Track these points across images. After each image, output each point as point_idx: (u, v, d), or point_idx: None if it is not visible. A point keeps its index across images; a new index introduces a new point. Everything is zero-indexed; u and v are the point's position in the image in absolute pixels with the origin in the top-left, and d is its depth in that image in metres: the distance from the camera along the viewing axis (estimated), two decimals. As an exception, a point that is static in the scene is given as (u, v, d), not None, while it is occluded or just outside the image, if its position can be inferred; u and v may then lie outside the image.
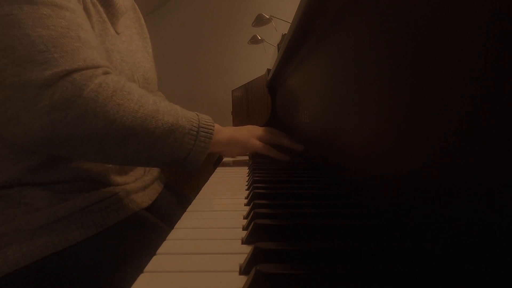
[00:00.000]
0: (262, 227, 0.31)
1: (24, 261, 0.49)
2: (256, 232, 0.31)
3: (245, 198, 0.48)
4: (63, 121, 0.47)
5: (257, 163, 0.78)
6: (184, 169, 0.61)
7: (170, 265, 0.27)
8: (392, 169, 0.34)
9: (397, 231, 0.31)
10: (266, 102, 1.56)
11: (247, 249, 0.29)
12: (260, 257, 0.25)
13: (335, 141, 0.56)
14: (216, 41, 2.96)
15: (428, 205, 0.27)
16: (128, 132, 0.52)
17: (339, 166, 0.54)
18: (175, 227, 0.36)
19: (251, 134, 0.77)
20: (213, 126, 0.64)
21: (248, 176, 0.67)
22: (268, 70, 1.52)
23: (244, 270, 0.25)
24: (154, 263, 0.27)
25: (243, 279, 0.24)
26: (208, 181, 0.64)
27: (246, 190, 0.54)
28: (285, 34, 0.92)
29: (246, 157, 0.99)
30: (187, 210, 0.43)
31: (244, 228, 0.35)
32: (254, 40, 2.12)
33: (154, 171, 0.81)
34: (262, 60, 2.61)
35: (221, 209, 0.44)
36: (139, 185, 0.70)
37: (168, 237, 0.33)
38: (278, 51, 1.32)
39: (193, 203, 0.46)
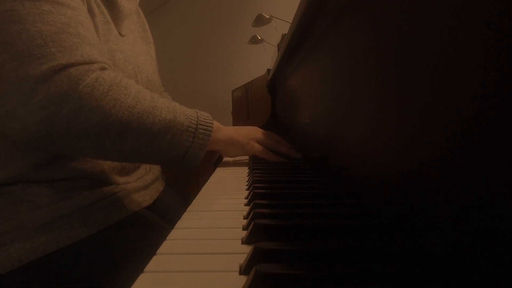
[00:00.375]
0: (262, 227, 0.31)
1: (27, 258, 0.49)
2: (256, 232, 0.31)
3: (245, 198, 0.48)
4: (59, 115, 0.46)
5: (257, 163, 0.78)
6: (183, 167, 0.60)
7: (170, 265, 0.27)
8: (392, 169, 0.34)
9: (397, 231, 0.31)
10: (266, 102, 1.56)
11: (247, 249, 0.29)
12: (260, 257, 0.25)
13: (335, 141, 0.56)
14: (216, 41, 2.96)
15: (428, 205, 0.27)
16: (124, 127, 0.51)
17: (339, 166, 0.54)
18: (175, 227, 0.36)
19: (251, 136, 0.76)
20: (212, 124, 0.63)
21: (248, 176, 0.67)
22: (268, 70, 1.52)
23: (244, 270, 0.25)
24: (154, 263, 0.27)
25: (243, 279, 0.24)
26: (208, 181, 0.64)
27: (246, 190, 0.54)
28: (285, 34, 0.92)
29: (246, 157, 0.99)
30: (187, 210, 0.43)
31: (244, 228, 0.35)
32: (254, 40, 2.12)
33: (155, 171, 0.81)
34: (262, 60, 2.61)
35: (221, 209, 0.44)
36: (141, 184, 0.70)
37: (168, 237, 0.33)
38: (278, 51, 1.32)
39: (193, 203, 0.46)
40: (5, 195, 0.52)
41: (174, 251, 0.30)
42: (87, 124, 0.48)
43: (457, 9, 0.23)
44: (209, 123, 0.62)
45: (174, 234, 0.34)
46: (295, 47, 0.81)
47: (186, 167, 0.60)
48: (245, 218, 0.39)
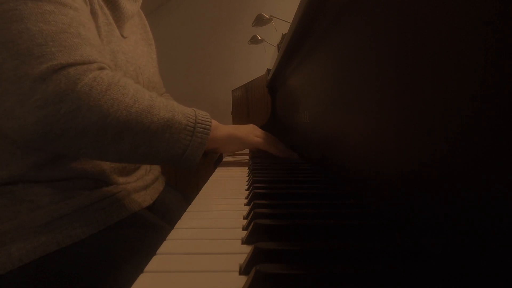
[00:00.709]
0: (262, 227, 0.31)
1: (28, 258, 0.49)
2: (256, 232, 0.31)
3: (245, 198, 0.48)
4: (57, 115, 0.46)
5: (257, 163, 0.78)
6: (182, 166, 0.60)
7: (170, 265, 0.27)
8: (392, 169, 0.34)
9: (397, 231, 0.31)
10: (266, 102, 1.56)
11: (247, 249, 0.29)
12: (260, 257, 0.25)
13: (335, 141, 0.56)
14: (216, 41, 2.96)
15: (428, 205, 0.27)
16: (123, 127, 0.51)
17: (339, 166, 0.54)
18: (175, 227, 0.36)
19: (251, 131, 0.77)
20: (210, 122, 0.63)
21: (248, 176, 0.67)
22: (268, 70, 1.52)
23: (244, 270, 0.25)
24: (154, 263, 0.27)
25: (243, 279, 0.24)
26: (208, 181, 0.64)
27: (246, 190, 0.54)
28: (285, 34, 0.92)
29: (246, 157, 0.99)
30: (187, 210, 0.43)
31: (244, 228, 0.35)
32: (254, 40, 2.12)
33: (155, 171, 0.81)
34: (262, 60, 2.61)
35: (221, 209, 0.44)
36: (141, 184, 0.70)
37: (168, 237, 0.33)
38: (278, 51, 1.32)
39: (193, 203, 0.46)
40: (5, 195, 0.52)
41: (174, 251, 0.30)
42: (85, 124, 0.48)
43: (457, 9, 0.23)
44: (207, 121, 0.62)
45: (174, 234, 0.34)
46: (295, 47, 0.81)
47: (185, 166, 0.60)
48: (245, 218, 0.39)
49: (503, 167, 0.19)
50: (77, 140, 0.49)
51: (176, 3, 3.05)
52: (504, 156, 0.19)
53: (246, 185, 0.58)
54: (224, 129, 0.70)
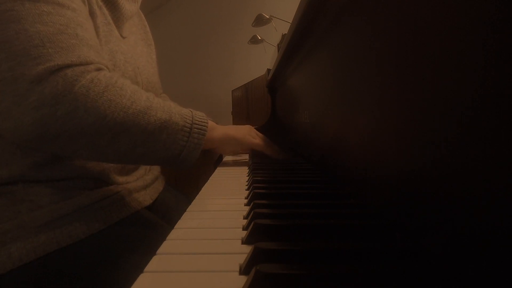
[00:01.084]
0: (262, 227, 0.31)
1: (28, 257, 0.49)
2: (256, 232, 0.31)
3: (245, 198, 0.48)
4: (53, 116, 0.46)
5: (257, 163, 0.78)
6: (179, 166, 0.60)
7: (170, 265, 0.27)
8: (392, 169, 0.34)
9: (397, 231, 0.31)
10: (266, 102, 1.56)
11: (247, 249, 0.29)
12: (260, 257, 0.25)
13: (335, 141, 0.56)
14: (216, 41, 2.96)
15: (428, 205, 0.27)
16: (120, 128, 0.51)
17: (339, 166, 0.54)
18: (175, 227, 0.36)
19: (247, 132, 0.77)
20: (207, 123, 0.63)
21: (248, 176, 0.67)
22: (268, 70, 1.52)
23: (244, 270, 0.25)
24: (154, 263, 0.27)
25: (243, 279, 0.24)
26: (208, 181, 0.64)
27: (246, 190, 0.54)
28: (285, 34, 0.92)
29: (246, 157, 0.99)
30: (187, 210, 0.43)
31: (244, 228, 0.35)
32: (254, 40, 2.12)
33: (155, 171, 0.81)
34: (262, 60, 2.61)
35: (221, 209, 0.44)
36: (141, 184, 0.70)
37: (168, 237, 0.33)
38: (278, 51, 1.32)
39: (193, 203, 0.46)
40: (6, 194, 0.52)
41: (174, 251, 0.30)
42: (82, 125, 0.48)
43: (457, 9, 0.23)
44: (204, 122, 0.62)
45: (174, 234, 0.34)
46: (295, 47, 0.81)
47: (181, 167, 0.60)
48: (245, 218, 0.39)
49: (503, 167, 0.19)
50: (73, 141, 0.49)
51: (176, 3, 3.05)
52: (504, 156, 0.19)
53: (246, 185, 0.58)
54: (220, 129, 0.70)
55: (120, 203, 0.61)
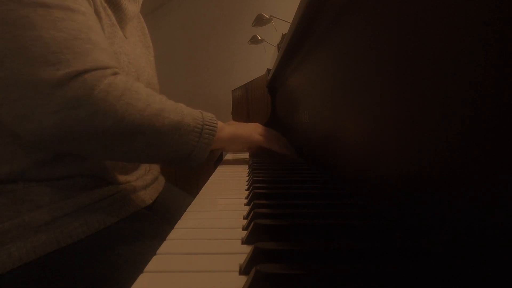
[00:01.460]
0: (262, 227, 0.31)
1: (28, 257, 0.50)
2: (256, 232, 0.31)
3: (245, 198, 0.48)
4: (75, 119, 0.49)
5: (257, 163, 0.78)
6: (188, 165, 0.63)
7: (170, 265, 0.27)
8: (392, 169, 0.34)
9: (397, 231, 0.31)
10: (266, 102, 1.56)
11: (247, 249, 0.29)
12: (260, 257, 0.25)
13: (335, 141, 0.56)
14: (216, 41, 2.96)
15: (428, 205, 0.27)
16: (136, 130, 0.54)
17: (339, 166, 0.54)
18: (175, 227, 0.36)
19: (253, 129, 0.80)
20: (216, 124, 0.66)
21: (248, 176, 0.67)
22: (268, 70, 1.52)
23: (244, 270, 0.25)
24: (154, 263, 0.27)
25: (243, 279, 0.24)
26: (208, 181, 0.64)
27: (246, 190, 0.54)
28: (285, 34, 0.92)
29: (246, 157, 0.99)
30: (187, 210, 0.43)
31: (244, 228, 0.35)
32: (254, 40, 2.12)
33: (155, 171, 0.82)
34: (262, 60, 2.61)
35: (221, 209, 0.44)
36: (140, 184, 0.71)
37: (168, 237, 0.33)
38: (278, 51, 1.32)
39: (193, 203, 0.46)
40: (6, 194, 0.53)
41: (174, 251, 0.30)
42: (101, 128, 0.51)
43: (457, 9, 0.23)
44: (214, 123, 0.65)
45: (174, 234, 0.34)
46: (295, 47, 0.81)
47: (191, 166, 0.63)
48: (245, 218, 0.39)
49: (503, 167, 0.19)
50: (91, 143, 0.52)
51: (176, 3, 3.05)
52: (504, 156, 0.19)
53: (246, 185, 0.58)
54: (228, 129, 0.73)
55: (120, 203, 0.62)
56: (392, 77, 0.33)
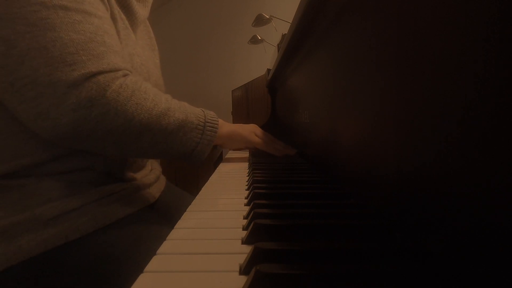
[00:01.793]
0: (262, 227, 0.31)
1: (37, 250, 0.51)
2: (256, 232, 0.31)
3: (245, 198, 0.48)
4: (88, 118, 0.52)
5: (257, 163, 0.78)
6: (191, 161, 0.66)
7: (170, 265, 0.27)
8: (392, 169, 0.34)
9: (397, 231, 0.31)
10: (266, 102, 1.56)
11: (247, 249, 0.29)
12: (260, 257, 0.25)
13: (335, 141, 0.56)
14: (216, 41, 2.96)
15: (428, 205, 0.27)
16: (144, 128, 0.57)
17: (339, 166, 0.54)
18: (175, 227, 0.36)
19: (252, 130, 0.84)
20: (217, 121, 0.69)
21: (248, 176, 0.67)
22: (268, 70, 1.52)
23: (244, 270, 0.25)
24: (154, 263, 0.27)
25: (243, 279, 0.24)
26: (208, 181, 0.64)
27: (246, 190, 0.54)
28: (285, 34, 0.92)
29: (246, 156, 0.99)
30: (187, 210, 0.43)
31: (244, 228, 0.35)
32: (254, 40, 2.12)
33: (156, 170, 0.83)
34: (262, 60, 2.61)
35: (221, 209, 0.44)
36: (145, 181, 0.73)
37: (168, 237, 0.33)
38: (278, 51, 1.32)
39: (193, 203, 0.46)
40: (18, 188, 0.54)
41: (174, 251, 0.30)
42: (112, 126, 0.54)
43: (457, 9, 0.23)
44: (215, 120, 0.69)
45: (174, 234, 0.34)
46: (295, 47, 0.81)
47: (194, 161, 0.66)
48: (245, 218, 0.39)
49: (503, 167, 0.19)
50: (103, 140, 0.55)
51: (176, 3, 3.05)
52: (504, 156, 0.19)
53: (246, 185, 0.58)
54: (228, 126, 0.78)
55: (126, 200, 0.64)
56: (392, 77, 0.33)
